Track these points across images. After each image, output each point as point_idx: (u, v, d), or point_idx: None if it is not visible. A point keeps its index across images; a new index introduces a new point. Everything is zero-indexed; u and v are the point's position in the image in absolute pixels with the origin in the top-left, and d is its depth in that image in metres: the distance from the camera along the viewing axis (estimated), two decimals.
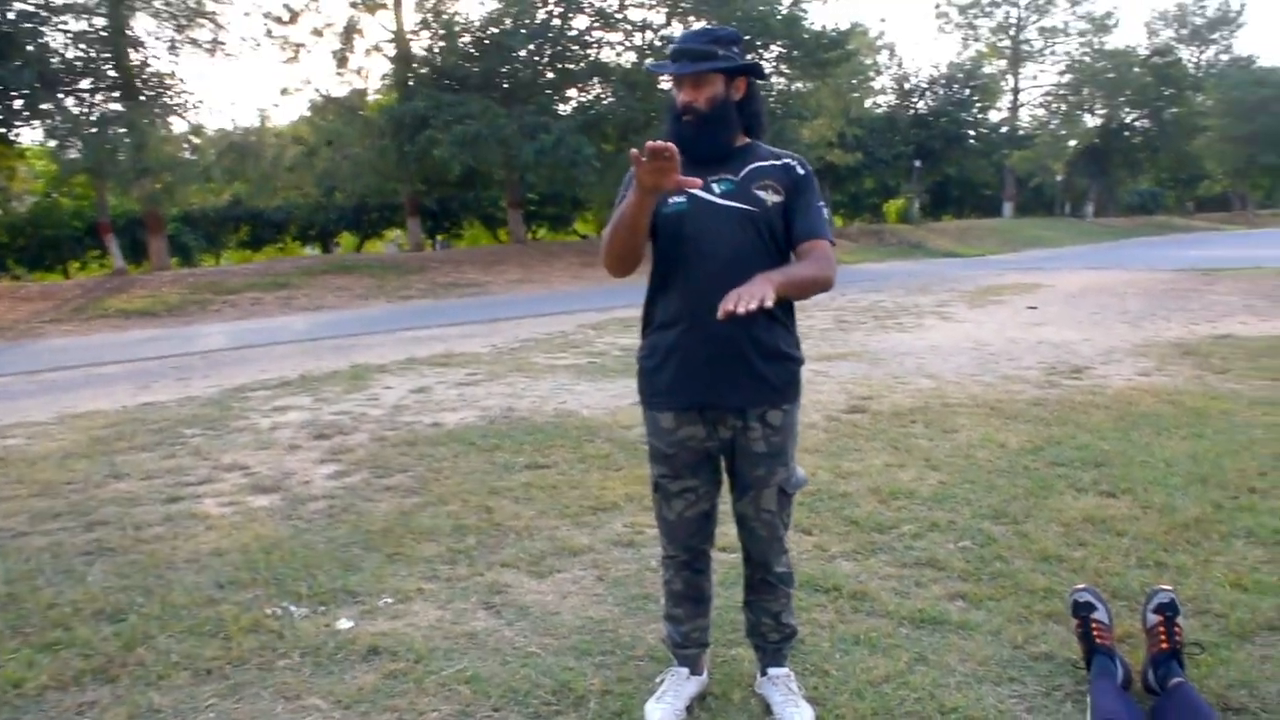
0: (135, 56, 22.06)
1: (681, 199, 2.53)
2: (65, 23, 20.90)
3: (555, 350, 10.55)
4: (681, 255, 2.54)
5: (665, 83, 2.67)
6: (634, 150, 2.29)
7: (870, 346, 10.15)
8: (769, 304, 2.21)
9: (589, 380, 8.49)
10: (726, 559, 3.70)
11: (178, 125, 23.43)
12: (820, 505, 4.57)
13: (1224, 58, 66.96)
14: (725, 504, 2.80)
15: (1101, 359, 9.00)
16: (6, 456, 6.28)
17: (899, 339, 10.77)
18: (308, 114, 28.02)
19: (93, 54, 21.44)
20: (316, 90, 26.98)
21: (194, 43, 22.61)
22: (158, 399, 8.44)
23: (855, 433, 6.11)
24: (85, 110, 21.77)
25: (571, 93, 27.40)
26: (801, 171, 2.59)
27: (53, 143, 21.91)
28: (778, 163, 2.59)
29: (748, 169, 2.56)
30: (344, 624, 3.46)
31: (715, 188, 2.54)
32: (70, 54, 21.22)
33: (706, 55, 2.52)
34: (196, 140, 23.69)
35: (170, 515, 4.86)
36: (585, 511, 4.64)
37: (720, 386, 2.56)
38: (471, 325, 13.86)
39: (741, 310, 2.18)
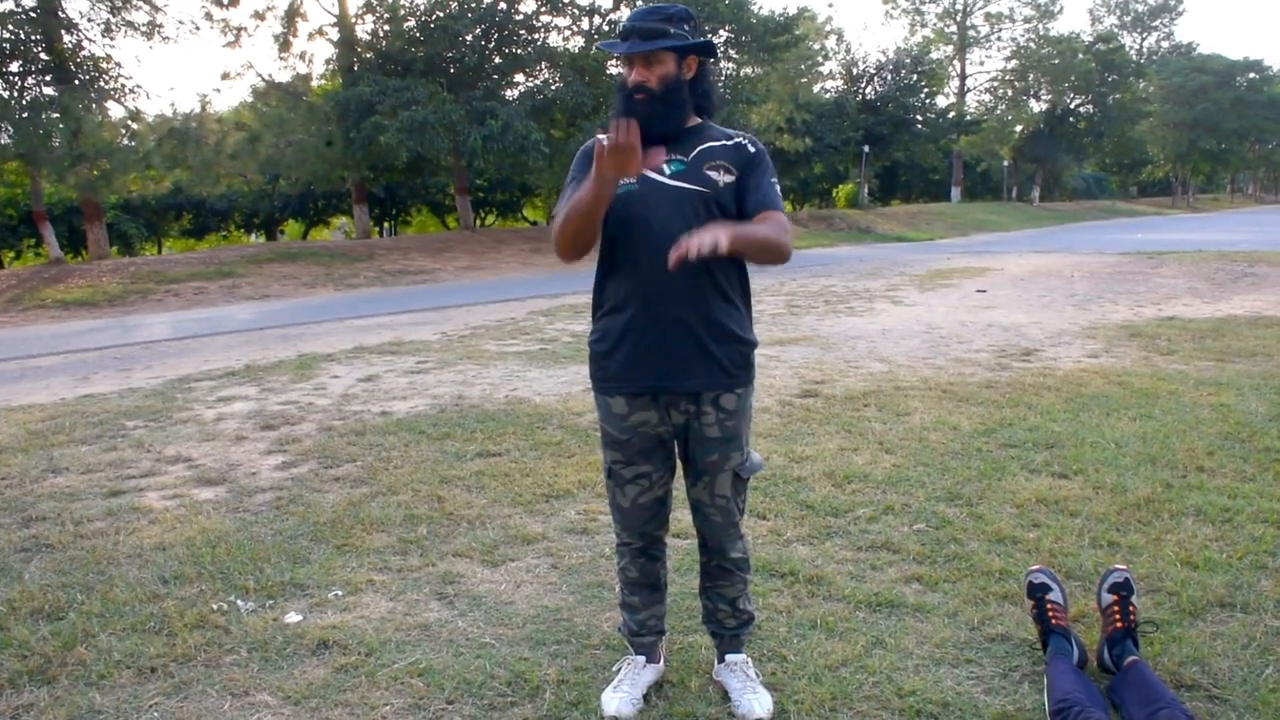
0: (68, 39, 21.48)
1: (631, 180, 2.47)
2: None
3: (506, 337, 10.45)
4: (631, 238, 2.49)
5: (614, 65, 2.59)
6: (600, 139, 2.22)
7: (822, 331, 10.17)
8: (723, 249, 2.17)
9: (540, 367, 8.41)
10: (682, 545, 3.67)
11: (115, 111, 22.86)
12: (775, 490, 4.55)
13: (1165, 45, 68.40)
14: (680, 490, 2.76)
15: (1051, 341, 9.10)
16: None
17: (851, 323, 10.81)
18: (250, 100, 27.53)
19: (22, 35, 20.81)
20: (259, 75, 26.49)
21: (130, 25, 22.05)
22: (98, 391, 8.24)
23: (809, 417, 6.10)
24: (16, 94, 21.17)
25: (519, 78, 27.16)
26: (753, 150, 2.54)
27: None
28: (729, 142, 2.54)
29: (699, 149, 2.51)
30: (292, 618, 3.38)
31: (666, 168, 2.49)
32: None
33: (658, 33, 2.46)
34: (135, 126, 23.08)
35: (112, 510, 4.72)
36: (538, 499, 4.58)
37: (673, 370, 2.51)
38: (421, 313, 13.71)
39: (693, 256, 2.14)
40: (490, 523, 4.28)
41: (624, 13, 26.10)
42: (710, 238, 2.17)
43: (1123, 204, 61.14)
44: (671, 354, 2.49)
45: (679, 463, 2.71)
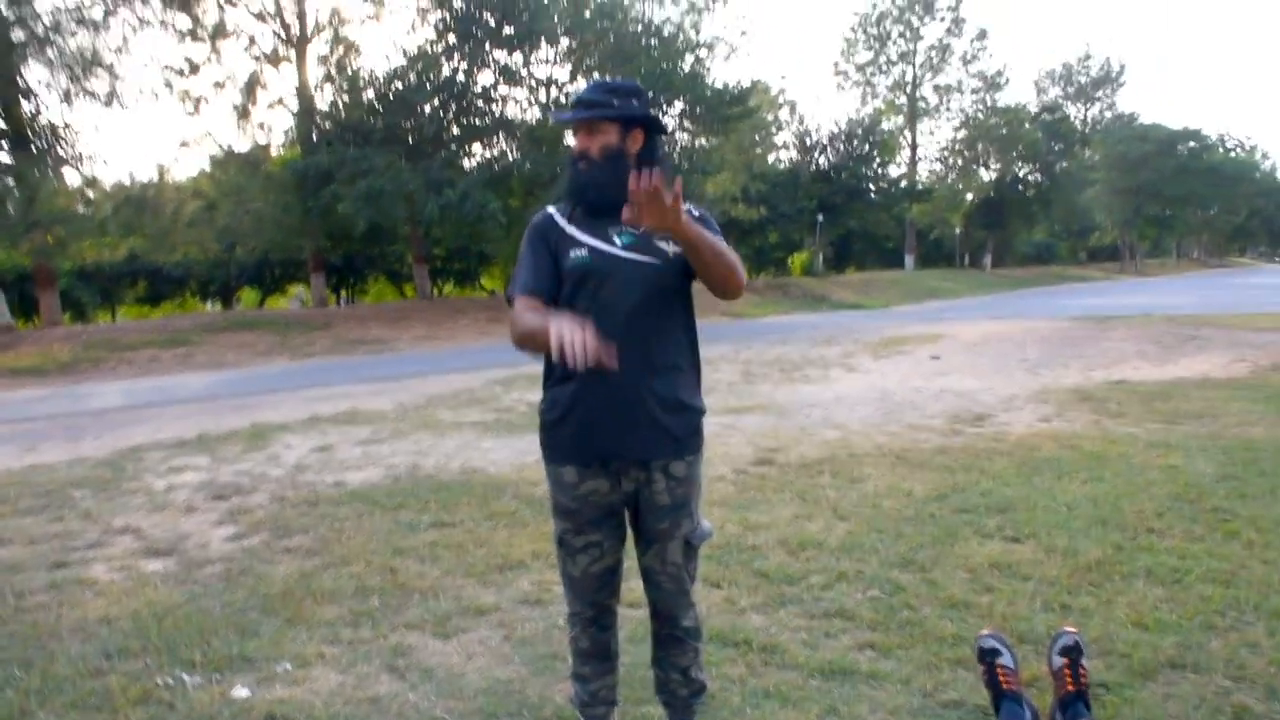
0: (26, 106, 21.42)
1: (583, 252, 2.52)
2: None
3: (462, 406, 10.41)
4: (583, 309, 2.49)
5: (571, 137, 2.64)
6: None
7: (777, 399, 10.23)
8: (667, 199, 2.17)
9: (496, 437, 8.38)
10: (634, 615, 3.65)
11: (71, 177, 22.78)
12: (729, 558, 4.55)
13: (1108, 114, 70.42)
14: (631, 559, 2.76)
15: (1003, 406, 9.22)
16: None
17: (806, 390, 10.89)
18: (208, 168, 27.51)
19: None
20: (218, 144, 26.51)
21: (89, 94, 22.01)
22: (45, 460, 8.09)
23: (763, 485, 6.12)
24: None
25: (477, 147, 27.37)
26: (696, 214, 2.57)
27: None
28: None
29: None
30: (240, 692, 3.31)
31: (617, 239, 2.53)
32: None
33: (602, 104, 2.54)
34: (91, 193, 22.98)
35: (55, 582, 4.63)
36: (492, 570, 4.54)
37: (623, 438, 2.52)
38: (377, 382, 13.62)
39: (643, 185, 2.14)
40: (443, 594, 4.23)
41: (581, 84, 26.52)
42: (664, 187, 2.17)
43: (1073, 269, 62.31)
44: (621, 423, 2.51)
45: (630, 531, 2.71)
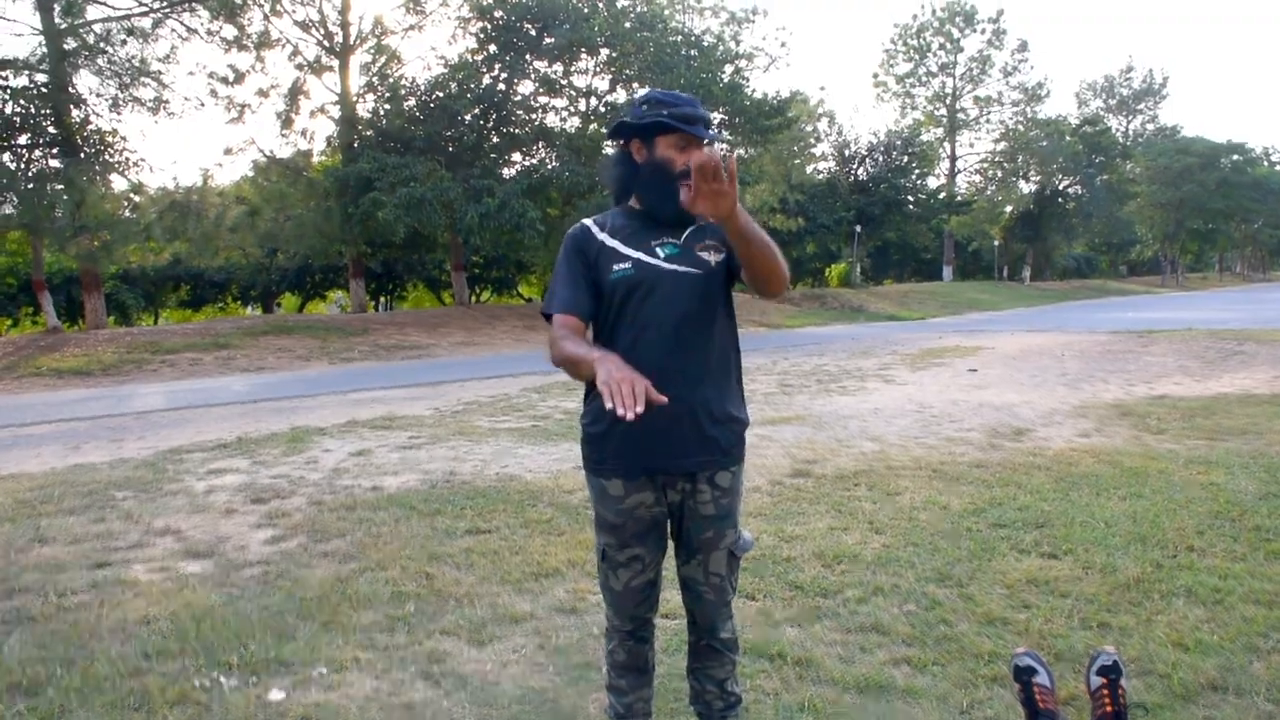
0: (76, 113, 21.86)
1: (626, 265, 2.51)
2: (5, 78, 20.68)
3: (498, 413, 10.46)
4: (626, 322, 2.51)
5: (609, 145, 2.61)
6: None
7: (814, 410, 10.19)
8: (735, 198, 2.16)
9: (532, 444, 8.41)
10: (669, 625, 3.65)
11: (118, 183, 23.22)
12: (764, 570, 4.53)
13: (1150, 127, 69.74)
14: (669, 568, 2.76)
15: (1042, 421, 9.13)
16: None
17: (843, 402, 10.84)
18: (251, 174, 27.89)
19: (32, 110, 21.19)
20: (261, 151, 26.89)
21: (137, 101, 22.46)
22: (88, 460, 8.22)
23: (799, 496, 6.10)
24: (22, 166, 21.47)
25: (516, 156, 27.59)
26: None
27: None
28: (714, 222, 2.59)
29: (690, 230, 2.56)
30: (276, 695, 3.35)
31: (660, 251, 2.53)
32: (9, 109, 20.96)
33: (706, 122, 2.54)
34: (137, 199, 23.40)
35: (97, 582, 4.70)
36: (527, 578, 4.55)
37: (671, 450, 2.52)
38: (414, 388, 13.73)
39: (706, 153, 2.12)
40: (478, 601, 4.25)
41: (620, 95, 26.61)
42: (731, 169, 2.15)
43: (1113, 283, 61.70)
44: (668, 435, 2.50)
45: (670, 542, 2.71)
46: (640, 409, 2.05)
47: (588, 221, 2.64)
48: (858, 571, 4.52)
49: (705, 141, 2.51)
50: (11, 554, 5.23)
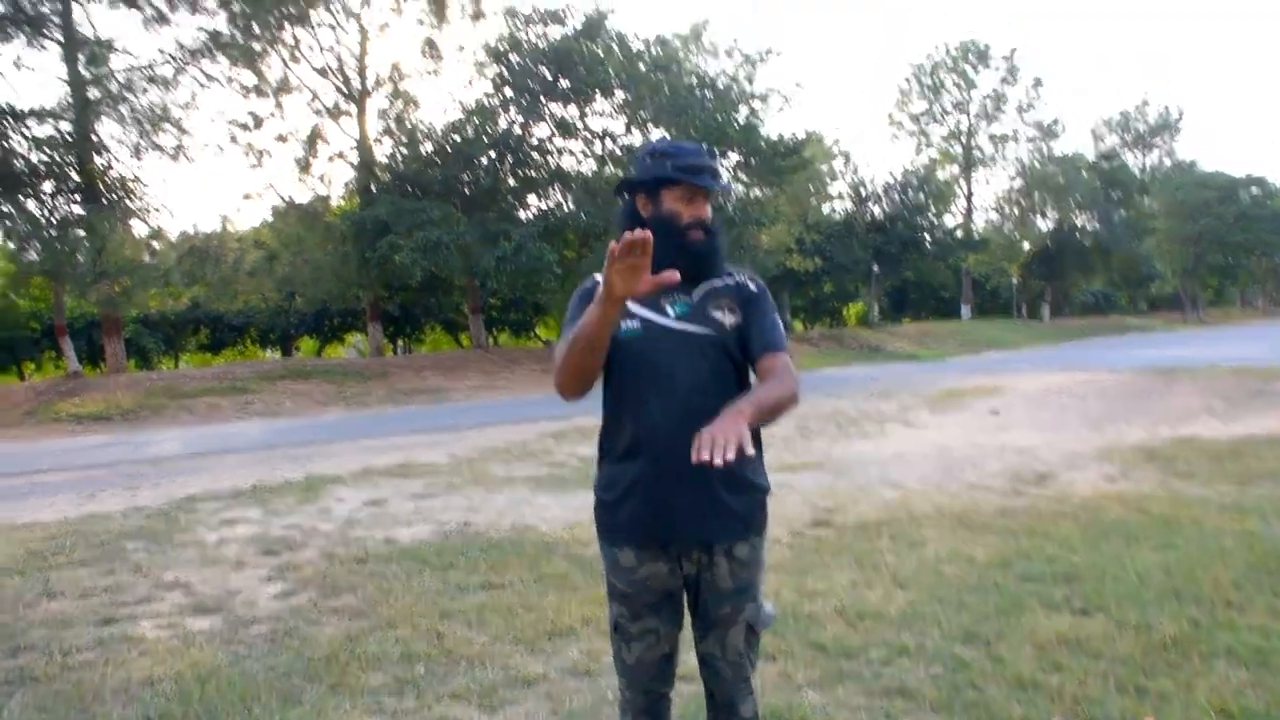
0: (99, 160, 22.11)
1: (635, 324, 2.41)
2: (30, 127, 20.95)
3: (515, 460, 10.36)
4: (637, 383, 2.41)
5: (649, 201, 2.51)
6: (612, 244, 2.10)
7: (834, 455, 10.05)
8: (749, 451, 2.00)
9: (548, 492, 8.30)
10: (684, 690, 3.51)
11: (139, 228, 23.44)
12: (785, 629, 4.38)
13: (1167, 162, 69.54)
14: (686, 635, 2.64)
15: (1066, 464, 8.96)
16: None
17: (862, 447, 10.69)
18: (269, 219, 28.11)
19: (57, 157, 21.45)
20: (279, 195, 27.11)
21: (158, 148, 22.69)
22: (102, 509, 8.19)
23: (820, 548, 5.95)
24: (46, 213, 21.72)
25: (533, 199, 27.70)
26: (755, 288, 2.48)
27: (11, 245, 21.82)
28: (731, 281, 2.48)
29: (703, 289, 2.46)
30: None
31: (670, 310, 2.43)
32: (35, 157, 21.25)
33: (717, 172, 2.47)
34: (156, 244, 23.62)
35: (103, 639, 4.62)
36: (540, 637, 4.42)
37: (686, 519, 2.40)
38: (431, 433, 13.65)
39: (719, 462, 1.96)
40: (490, 662, 4.12)
41: (635, 137, 26.72)
42: (733, 434, 2.00)
43: (1133, 319, 61.21)
44: (684, 503, 2.38)
45: (687, 614, 2.58)
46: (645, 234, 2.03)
47: (599, 276, 2.55)
48: (882, 630, 4.37)
49: (713, 192, 2.44)
50: (20, 609, 5.17)
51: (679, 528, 2.41)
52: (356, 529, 7.00)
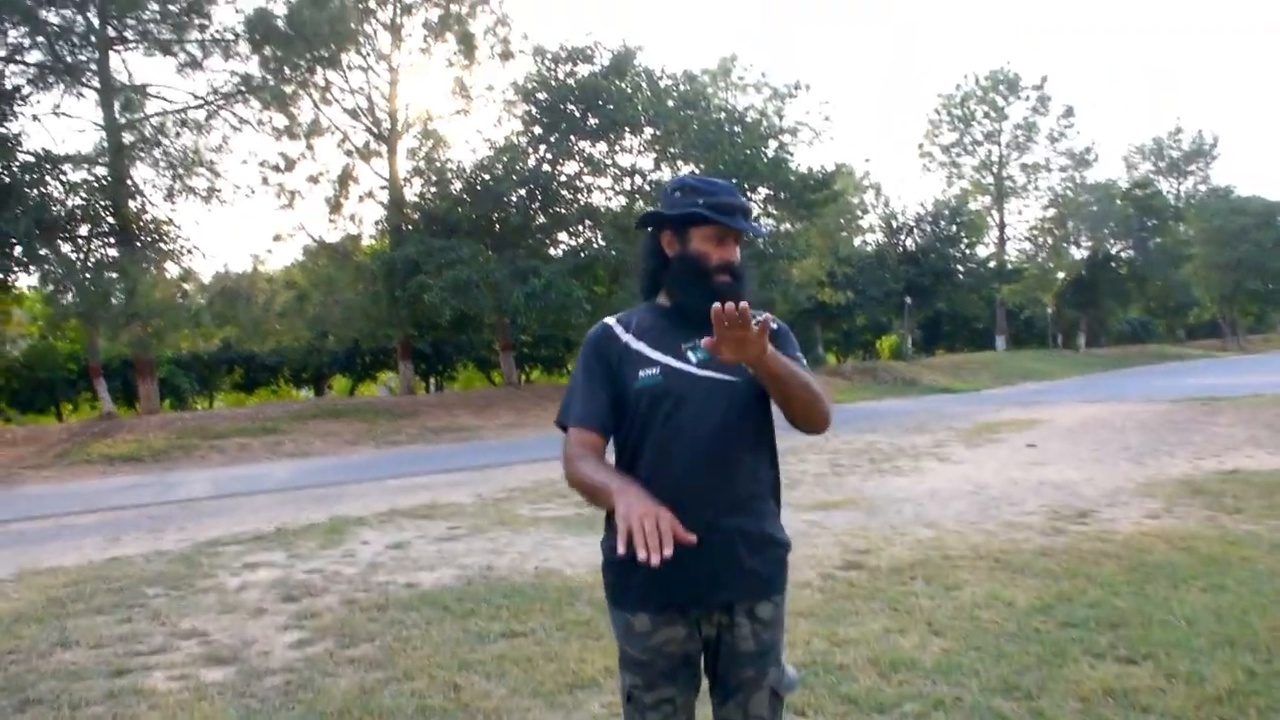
0: (133, 204, 22.40)
1: (654, 371, 2.26)
2: (65, 172, 21.26)
3: (541, 500, 10.21)
4: (656, 435, 2.25)
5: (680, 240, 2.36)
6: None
7: (867, 493, 9.82)
8: (765, 345, 1.96)
9: (574, 534, 8.14)
10: None
11: (171, 270, 23.67)
12: (815, 680, 4.19)
13: (1202, 188, 68.87)
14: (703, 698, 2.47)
15: (1107, 500, 8.70)
16: None
17: (896, 484, 10.45)
18: (301, 259, 28.31)
19: (92, 202, 21.75)
20: (310, 236, 27.30)
21: (191, 190, 22.95)
22: (125, 553, 8.13)
23: (852, 592, 5.75)
24: (81, 256, 22.00)
25: (562, 236, 27.76)
26: (776, 327, 2.33)
27: (48, 288, 22.10)
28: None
29: None
30: None
31: (691, 356, 2.28)
32: (71, 202, 21.55)
33: (750, 213, 2.34)
34: (188, 286, 23.85)
35: (113, 692, 4.50)
36: (561, 689, 4.26)
37: (704, 581, 2.24)
38: (460, 472, 13.55)
39: (727, 312, 1.89)
40: (507, 717, 3.96)
41: (665, 173, 26.72)
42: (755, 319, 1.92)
43: (1171, 348, 60.34)
44: (702, 564, 2.19)
45: (704, 678, 2.41)
46: (668, 552, 1.80)
47: (610, 321, 2.40)
48: (917, 681, 4.16)
49: (746, 237, 2.30)
50: (33, 659, 5.07)
51: (698, 590, 2.25)
52: (378, 573, 6.87)
